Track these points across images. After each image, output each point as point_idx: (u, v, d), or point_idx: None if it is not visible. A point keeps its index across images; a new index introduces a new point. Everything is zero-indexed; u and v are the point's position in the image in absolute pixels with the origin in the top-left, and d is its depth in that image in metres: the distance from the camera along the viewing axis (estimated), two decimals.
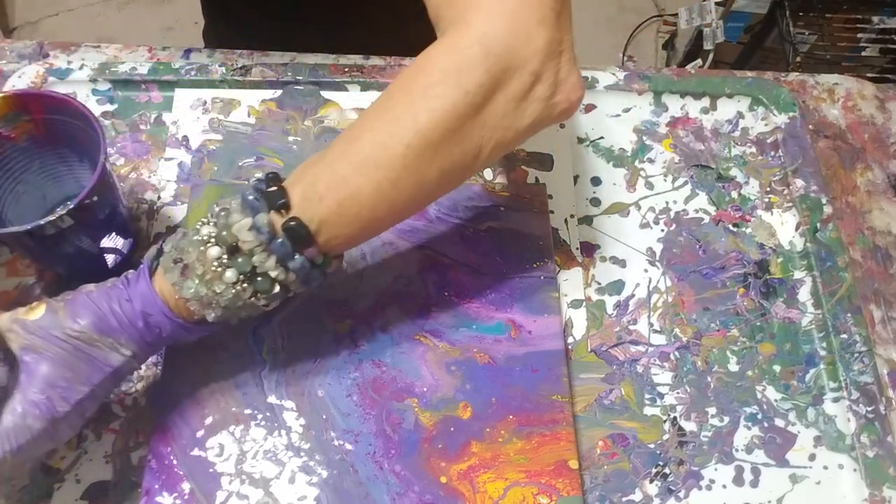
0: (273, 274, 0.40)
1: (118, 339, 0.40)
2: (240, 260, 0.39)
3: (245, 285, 0.40)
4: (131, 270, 0.42)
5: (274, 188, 0.40)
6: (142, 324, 0.40)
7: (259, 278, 0.40)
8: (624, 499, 0.48)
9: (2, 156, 0.48)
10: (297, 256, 0.40)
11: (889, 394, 0.53)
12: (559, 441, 0.47)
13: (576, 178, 0.60)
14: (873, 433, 0.51)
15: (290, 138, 0.59)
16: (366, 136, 0.40)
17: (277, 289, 0.41)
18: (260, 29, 0.73)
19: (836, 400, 0.52)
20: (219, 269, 0.39)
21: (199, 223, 0.41)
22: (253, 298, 0.40)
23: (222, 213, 0.40)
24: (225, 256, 0.39)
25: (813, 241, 0.58)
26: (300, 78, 0.61)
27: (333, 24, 0.70)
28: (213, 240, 0.39)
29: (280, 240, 0.39)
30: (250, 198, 0.40)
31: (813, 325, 0.55)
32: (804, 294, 0.56)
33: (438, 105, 0.38)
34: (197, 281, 0.39)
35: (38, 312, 0.40)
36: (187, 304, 0.40)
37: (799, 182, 0.61)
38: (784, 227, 0.59)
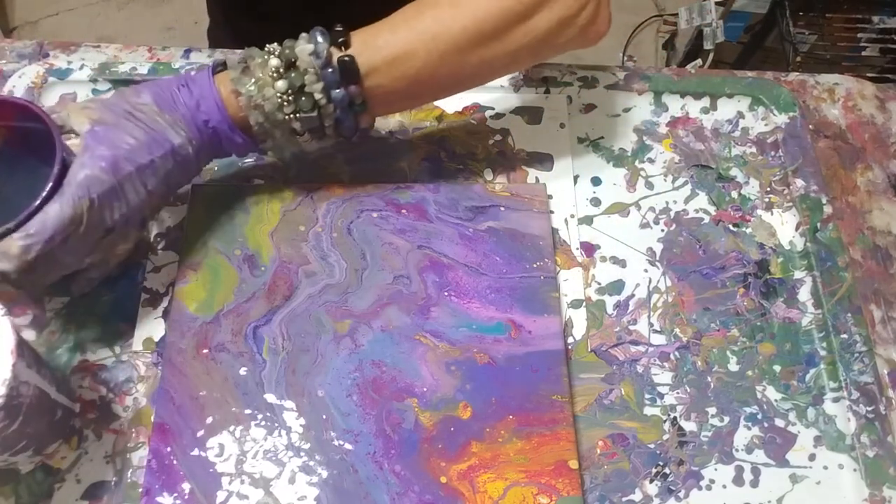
0: (316, 97, 0.46)
1: (175, 116, 0.46)
2: (293, 74, 0.46)
3: (290, 98, 0.46)
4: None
5: (340, 30, 0.47)
6: (194, 104, 0.46)
7: (304, 97, 0.46)
8: (624, 499, 0.48)
9: None
10: (341, 89, 0.46)
11: (889, 394, 0.53)
12: (559, 441, 0.47)
13: (576, 178, 0.60)
14: (873, 433, 0.51)
15: None
16: (428, 12, 0.47)
17: (315, 114, 0.47)
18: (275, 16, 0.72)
19: (836, 400, 0.52)
20: (273, 77, 0.46)
21: (272, 46, 0.48)
22: (291, 116, 0.47)
23: (293, 40, 0.47)
24: (282, 68, 0.46)
25: (813, 241, 0.58)
26: None
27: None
28: (276, 54, 0.47)
29: (332, 69, 0.46)
30: (318, 32, 0.46)
31: (813, 325, 0.55)
32: (804, 294, 0.56)
33: (497, 4, 0.46)
34: (253, 80, 0.46)
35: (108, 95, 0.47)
36: (238, 99, 0.47)
37: (799, 182, 0.61)
38: (784, 227, 0.59)
